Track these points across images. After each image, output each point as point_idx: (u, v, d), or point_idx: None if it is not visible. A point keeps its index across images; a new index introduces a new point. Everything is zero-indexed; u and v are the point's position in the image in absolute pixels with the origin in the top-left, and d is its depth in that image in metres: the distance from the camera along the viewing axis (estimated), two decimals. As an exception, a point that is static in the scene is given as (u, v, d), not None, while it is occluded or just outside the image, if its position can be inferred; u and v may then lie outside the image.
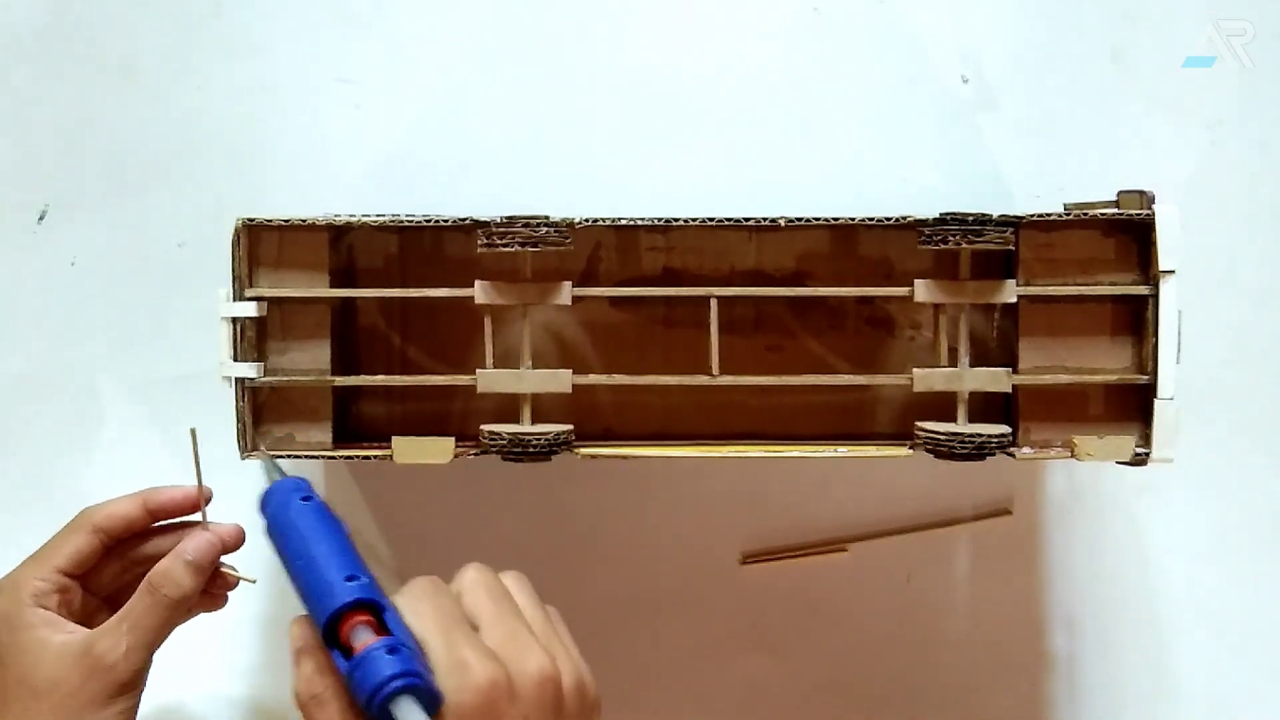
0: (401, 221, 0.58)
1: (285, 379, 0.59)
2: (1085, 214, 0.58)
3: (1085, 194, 0.53)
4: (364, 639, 0.42)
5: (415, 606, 0.44)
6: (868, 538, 0.71)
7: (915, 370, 0.59)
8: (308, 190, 0.70)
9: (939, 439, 0.57)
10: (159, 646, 0.55)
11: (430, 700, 0.41)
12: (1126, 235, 0.59)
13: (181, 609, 0.55)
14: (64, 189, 0.71)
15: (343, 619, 0.43)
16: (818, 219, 0.58)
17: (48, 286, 0.71)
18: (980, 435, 0.57)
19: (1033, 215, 0.58)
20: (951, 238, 0.57)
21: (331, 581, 0.44)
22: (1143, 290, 0.58)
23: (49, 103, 0.71)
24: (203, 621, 0.72)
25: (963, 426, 0.59)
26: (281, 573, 0.72)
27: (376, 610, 0.43)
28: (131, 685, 0.53)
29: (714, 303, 0.59)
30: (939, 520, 0.71)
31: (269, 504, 0.49)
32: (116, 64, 0.70)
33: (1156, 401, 0.57)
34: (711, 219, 0.58)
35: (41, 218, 0.71)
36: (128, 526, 0.56)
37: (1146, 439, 0.58)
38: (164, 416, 0.71)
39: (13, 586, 0.54)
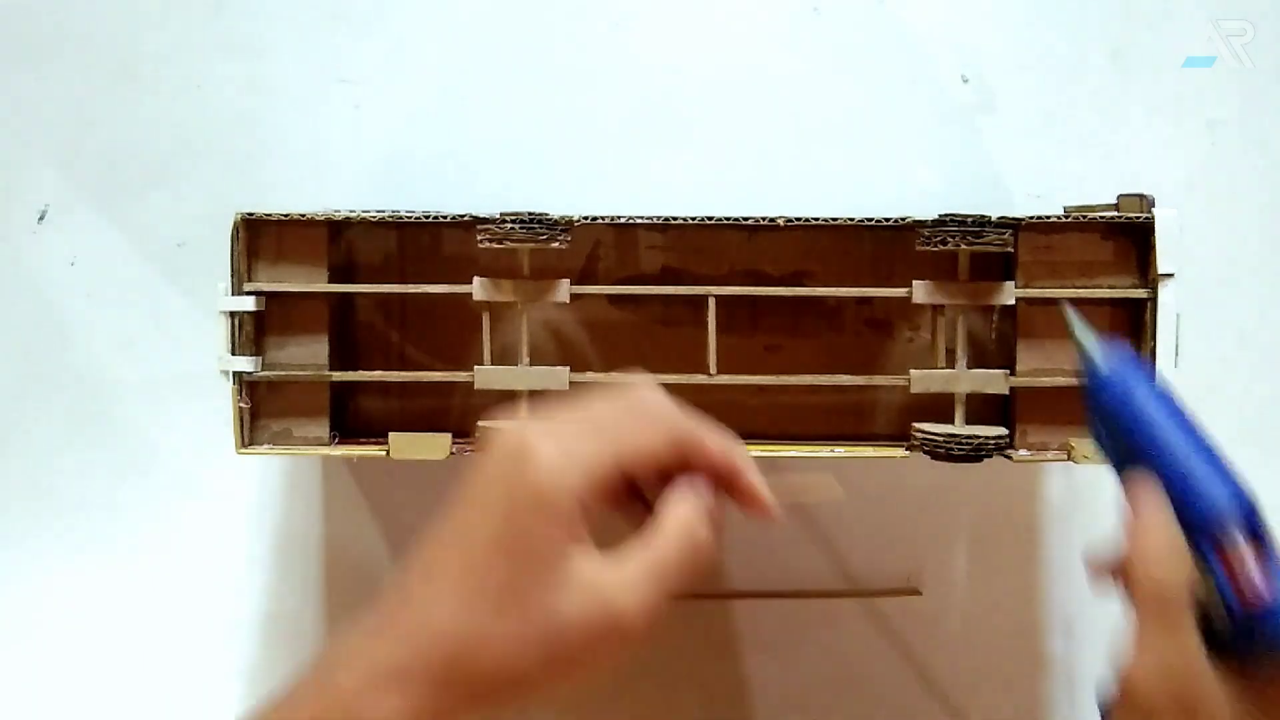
0: (400, 217, 0.58)
1: (283, 373, 0.59)
2: (1084, 217, 0.58)
3: (1085, 194, 0.53)
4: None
5: None
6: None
7: (913, 371, 0.59)
8: (307, 190, 0.70)
9: (936, 440, 0.57)
10: None
11: None
12: (1125, 238, 0.59)
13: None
14: (64, 189, 0.71)
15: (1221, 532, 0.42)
16: (817, 219, 0.58)
17: (48, 286, 0.71)
18: (977, 437, 0.57)
19: (1032, 217, 0.58)
20: (951, 239, 0.57)
21: (1216, 485, 0.43)
22: (1141, 294, 0.58)
23: (49, 102, 0.71)
24: (203, 622, 0.72)
25: (960, 428, 0.59)
26: (287, 572, 0.73)
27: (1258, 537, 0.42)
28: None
29: (712, 302, 0.59)
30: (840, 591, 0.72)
31: (1115, 379, 0.45)
32: (116, 64, 0.70)
33: (1155, 404, 0.57)
34: (710, 218, 0.58)
35: (41, 217, 0.71)
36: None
37: (1145, 441, 0.58)
38: (164, 416, 0.71)
39: (563, 490, 0.39)
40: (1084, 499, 0.71)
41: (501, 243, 0.57)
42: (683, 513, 0.42)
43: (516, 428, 0.40)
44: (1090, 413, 0.46)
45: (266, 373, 0.59)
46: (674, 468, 0.43)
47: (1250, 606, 0.41)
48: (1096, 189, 0.61)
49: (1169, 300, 0.57)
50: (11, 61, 0.71)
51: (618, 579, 0.40)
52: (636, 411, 0.43)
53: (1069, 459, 0.58)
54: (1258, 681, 0.42)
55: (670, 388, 0.59)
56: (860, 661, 0.72)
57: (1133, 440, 0.45)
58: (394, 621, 0.39)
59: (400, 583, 0.40)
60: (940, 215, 0.57)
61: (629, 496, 0.44)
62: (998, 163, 0.70)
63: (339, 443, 0.60)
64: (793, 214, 0.58)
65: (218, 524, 0.72)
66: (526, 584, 0.39)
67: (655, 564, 0.41)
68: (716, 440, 0.44)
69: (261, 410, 0.60)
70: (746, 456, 0.44)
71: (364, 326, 0.65)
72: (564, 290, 0.58)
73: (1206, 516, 0.42)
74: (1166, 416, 0.45)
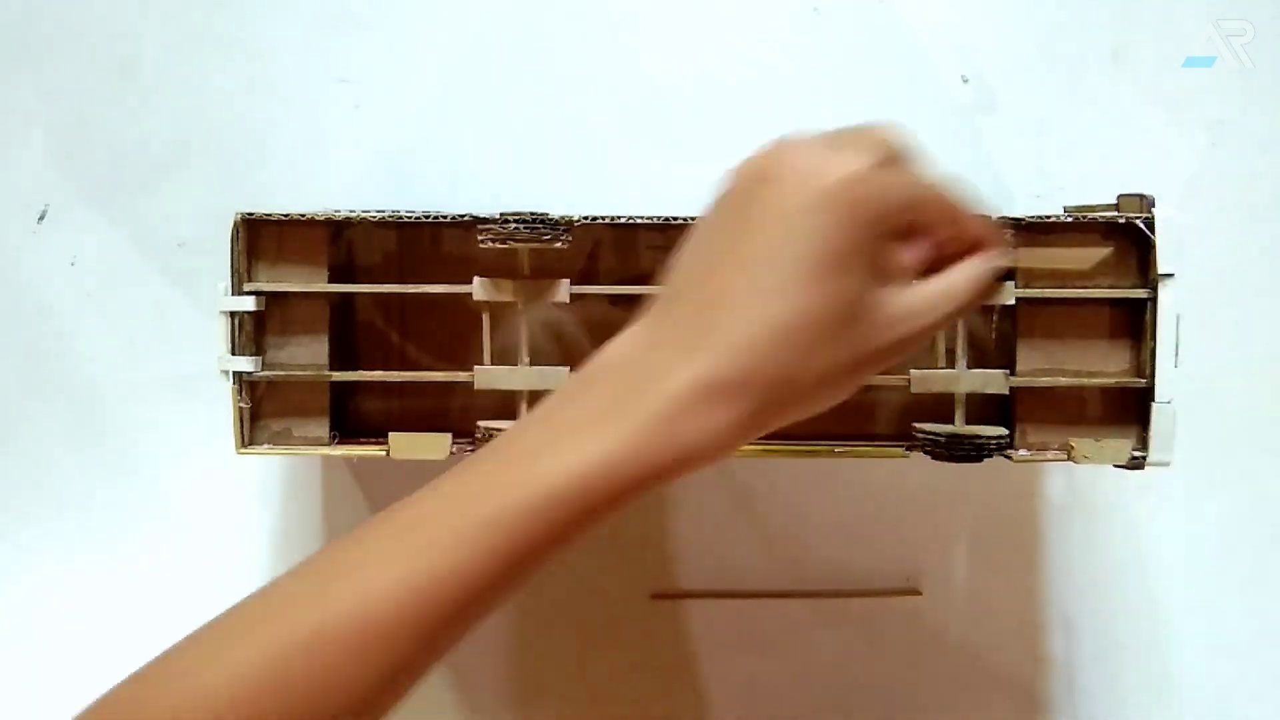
0: (401, 217, 0.58)
1: (283, 373, 0.59)
2: (1084, 217, 0.58)
3: (1085, 193, 0.53)
4: None
5: None
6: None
7: (913, 371, 0.59)
8: (307, 190, 0.70)
9: (936, 440, 0.57)
10: None
11: None
12: (1126, 238, 0.59)
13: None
14: (64, 189, 0.71)
15: None
16: (816, 218, 0.58)
17: (48, 286, 0.71)
18: (978, 437, 0.57)
19: (1032, 217, 0.58)
20: None
21: None
22: (1141, 294, 0.58)
23: (49, 102, 0.71)
24: (203, 622, 0.72)
25: (960, 428, 0.59)
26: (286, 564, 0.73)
27: None
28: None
29: (712, 302, 0.59)
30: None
31: None
32: (116, 64, 0.71)
33: (1154, 405, 0.57)
34: (710, 218, 0.58)
35: (41, 217, 0.71)
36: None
37: (1144, 442, 0.58)
38: (164, 416, 0.71)
39: (892, 207, 0.41)
40: (1084, 499, 0.71)
41: (504, 243, 0.57)
42: (977, 262, 0.45)
43: (808, 152, 0.41)
44: None
45: (266, 373, 0.59)
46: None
47: None
48: (1096, 189, 0.61)
49: (1169, 300, 0.57)
50: (11, 61, 0.71)
51: (921, 299, 0.43)
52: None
53: (1069, 459, 0.58)
54: None
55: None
56: (860, 661, 0.72)
57: None
58: (707, 337, 0.40)
59: (702, 302, 0.41)
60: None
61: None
62: (998, 163, 0.70)
63: (339, 443, 0.60)
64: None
65: (217, 524, 0.72)
66: (864, 301, 0.41)
67: (948, 290, 0.44)
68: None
69: (261, 410, 0.59)
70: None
71: (364, 326, 0.65)
72: (564, 290, 0.58)
73: None
74: None
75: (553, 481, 0.39)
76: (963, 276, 0.45)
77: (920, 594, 0.72)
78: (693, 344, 0.40)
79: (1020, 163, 0.70)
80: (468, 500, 0.40)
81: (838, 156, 0.41)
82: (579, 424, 0.40)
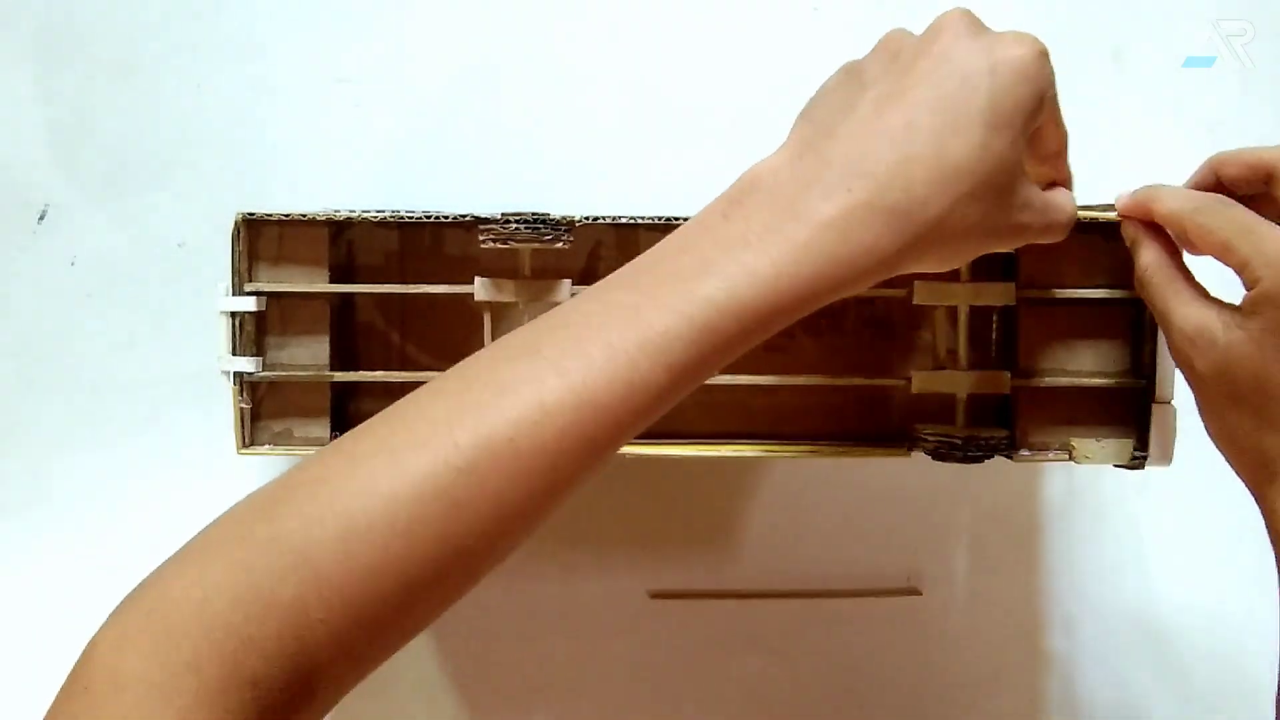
0: (402, 217, 0.58)
1: (283, 374, 0.59)
2: (1086, 218, 0.58)
3: (1084, 194, 0.53)
4: None
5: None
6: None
7: (914, 372, 0.59)
8: (307, 190, 0.70)
9: (937, 441, 0.57)
10: None
11: None
12: (1126, 239, 0.59)
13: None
14: (64, 189, 0.71)
15: None
16: (817, 219, 0.58)
17: (47, 286, 0.71)
18: (979, 437, 0.57)
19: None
20: None
21: None
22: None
23: (49, 102, 0.71)
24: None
25: (961, 429, 0.59)
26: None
27: None
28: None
29: (713, 302, 0.59)
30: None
31: None
32: (116, 63, 0.70)
33: (1155, 405, 0.57)
34: (711, 218, 0.58)
35: (41, 217, 0.71)
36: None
37: (1144, 443, 0.58)
38: (164, 417, 0.71)
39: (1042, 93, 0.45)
40: (1084, 499, 0.71)
41: (505, 243, 0.57)
42: (1069, 194, 0.51)
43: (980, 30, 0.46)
44: None
45: (267, 373, 0.59)
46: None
47: None
48: (1095, 190, 0.61)
49: (1169, 300, 0.57)
50: (12, 60, 0.70)
51: (1042, 200, 0.48)
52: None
53: (1070, 459, 0.58)
54: None
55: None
56: (860, 662, 0.72)
57: None
58: (871, 165, 0.43)
59: (861, 126, 0.44)
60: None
61: None
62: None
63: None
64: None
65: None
66: (1014, 169, 0.45)
67: (1061, 204, 0.50)
68: None
69: (262, 411, 0.59)
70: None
71: (364, 326, 0.65)
72: (565, 290, 0.58)
73: None
74: None
75: (723, 299, 0.41)
76: (1067, 199, 0.50)
77: (920, 594, 0.72)
78: (853, 170, 0.42)
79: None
80: (640, 317, 0.41)
81: (1022, 35, 0.45)
82: (740, 241, 0.42)
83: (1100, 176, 0.69)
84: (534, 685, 0.72)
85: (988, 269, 0.60)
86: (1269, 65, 0.70)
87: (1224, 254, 0.47)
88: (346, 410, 0.64)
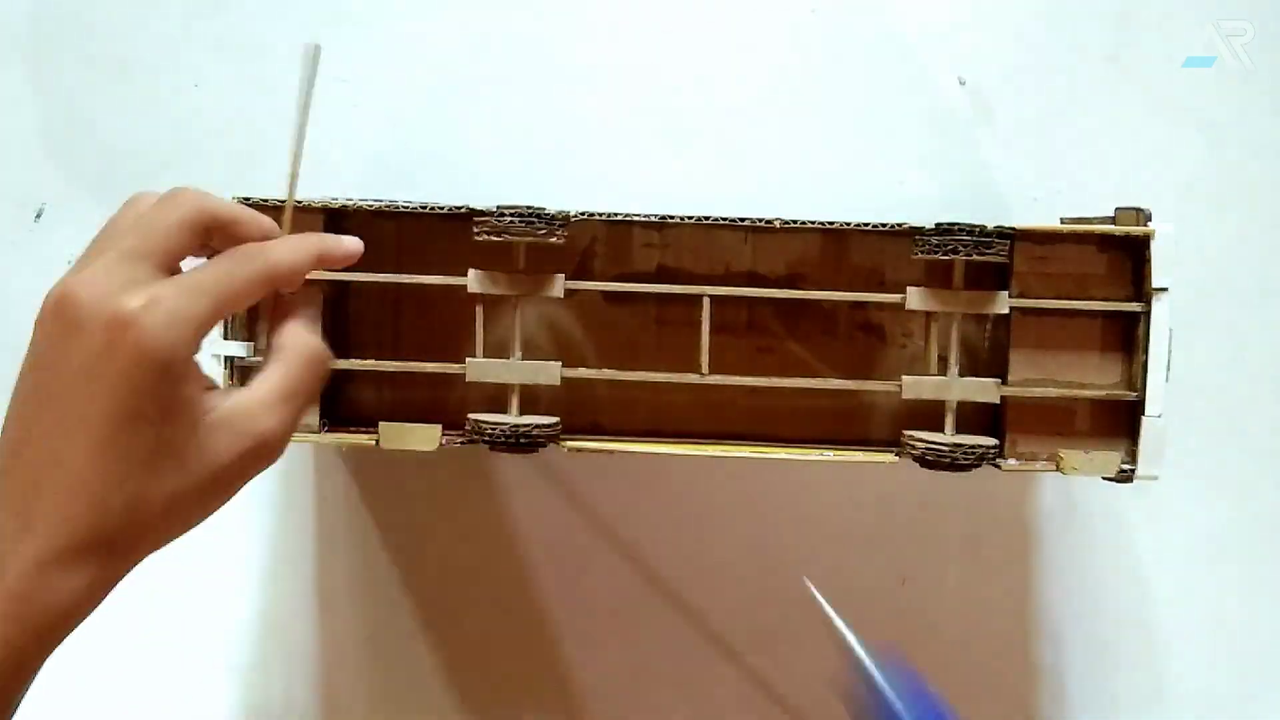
0: (398, 207, 0.58)
1: (275, 360, 0.59)
2: (1081, 229, 0.59)
3: (1082, 195, 0.53)
4: None
5: None
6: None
7: (905, 378, 0.59)
8: (306, 189, 0.69)
9: (926, 448, 0.57)
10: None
11: None
12: (1121, 251, 0.59)
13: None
14: (61, 187, 0.71)
15: None
16: (812, 222, 0.58)
17: (45, 285, 0.70)
18: (967, 446, 0.57)
19: (1028, 227, 0.58)
20: (962, 248, 0.56)
21: None
22: (1135, 307, 0.58)
23: (46, 100, 0.71)
24: (201, 621, 0.72)
25: (950, 436, 0.59)
26: (278, 572, 0.73)
27: None
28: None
29: (707, 301, 0.59)
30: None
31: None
32: (114, 62, 0.71)
33: (1144, 419, 0.57)
34: (706, 218, 0.58)
35: (38, 216, 0.71)
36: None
37: (1133, 455, 0.58)
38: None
39: (181, 348, 0.40)
40: (1076, 507, 0.71)
41: (499, 235, 0.57)
42: (297, 332, 0.45)
43: (93, 297, 0.41)
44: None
45: (258, 358, 0.59)
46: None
47: None
48: (1095, 190, 0.61)
49: (1162, 314, 0.57)
50: (10, 59, 0.71)
51: (257, 406, 0.42)
52: (168, 206, 0.45)
53: (1058, 469, 0.58)
54: None
55: (664, 386, 0.60)
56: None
57: None
58: (43, 511, 0.39)
59: (25, 473, 0.40)
60: (947, 224, 0.57)
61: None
62: (995, 164, 0.70)
63: (329, 430, 0.60)
64: (788, 216, 0.58)
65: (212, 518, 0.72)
66: (176, 440, 0.40)
67: (285, 385, 0.43)
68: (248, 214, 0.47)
69: (253, 396, 0.59)
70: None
71: (358, 315, 0.65)
72: (559, 285, 0.58)
73: None
74: None
75: None
76: (293, 364, 0.44)
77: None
78: (29, 514, 0.39)
79: (1018, 164, 0.70)
80: None
81: (108, 306, 0.40)
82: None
83: (1100, 177, 0.69)
84: (533, 685, 0.73)
85: (980, 277, 0.60)
86: (1269, 65, 0.70)
87: None
88: (339, 398, 0.64)
